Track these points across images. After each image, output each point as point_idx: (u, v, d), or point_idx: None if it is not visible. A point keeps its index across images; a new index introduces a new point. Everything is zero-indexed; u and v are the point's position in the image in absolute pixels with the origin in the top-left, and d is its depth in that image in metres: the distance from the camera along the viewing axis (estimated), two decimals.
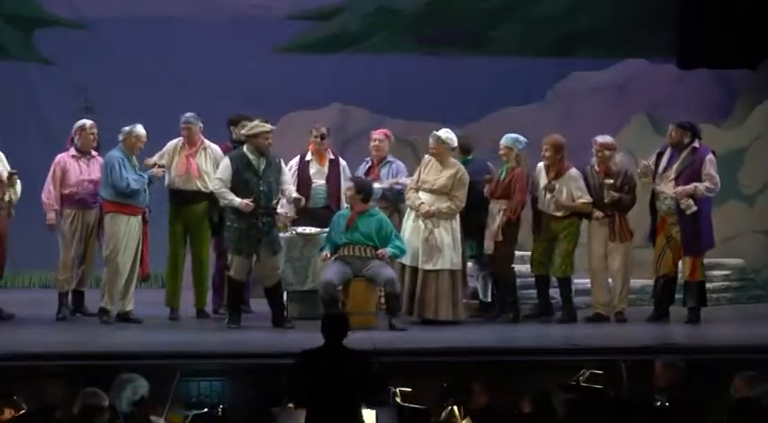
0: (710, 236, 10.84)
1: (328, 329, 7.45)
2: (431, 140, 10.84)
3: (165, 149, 11.08)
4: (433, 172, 10.79)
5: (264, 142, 10.47)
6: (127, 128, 10.79)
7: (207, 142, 11.08)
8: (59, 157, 10.97)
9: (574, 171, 10.85)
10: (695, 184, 10.63)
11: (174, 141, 11.11)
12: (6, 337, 9.98)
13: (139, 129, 10.79)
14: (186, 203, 10.94)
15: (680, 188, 10.63)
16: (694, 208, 10.56)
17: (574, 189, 10.80)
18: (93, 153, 11.07)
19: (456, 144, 10.85)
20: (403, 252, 10.54)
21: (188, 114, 11.12)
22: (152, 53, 13.83)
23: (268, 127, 10.53)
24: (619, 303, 10.89)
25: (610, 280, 10.96)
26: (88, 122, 11.08)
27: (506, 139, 10.89)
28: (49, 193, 10.87)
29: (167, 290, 11.10)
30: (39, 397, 8.17)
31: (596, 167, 10.90)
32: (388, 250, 10.43)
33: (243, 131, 10.61)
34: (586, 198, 10.81)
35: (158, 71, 13.74)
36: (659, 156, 10.95)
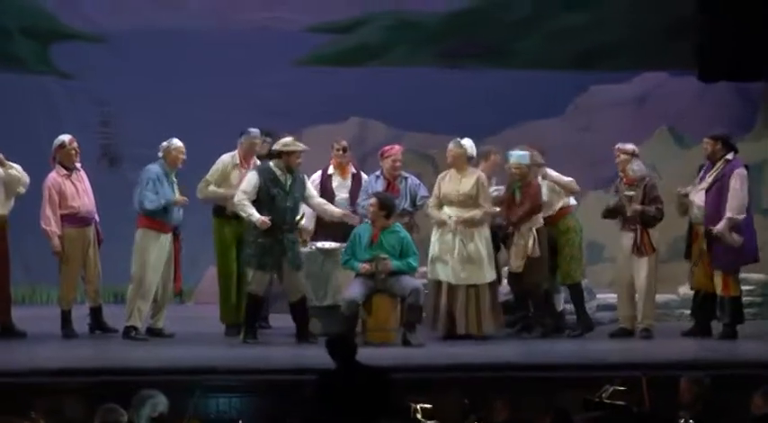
0: (750, 249, 10.70)
1: (335, 353, 7.47)
2: (450, 145, 10.83)
3: (217, 166, 10.96)
4: (452, 183, 10.79)
5: (296, 161, 10.52)
6: (165, 143, 10.74)
7: (256, 159, 11.05)
8: (51, 179, 10.77)
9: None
10: (722, 223, 10.56)
11: (228, 158, 11.02)
12: (25, 353, 10.02)
13: (177, 142, 10.73)
14: (235, 217, 10.80)
15: (720, 227, 10.57)
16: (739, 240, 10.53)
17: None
18: (78, 166, 10.97)
19: (474, 154, 10.86)
20: (411, 269, 10.55)
21: (255, 130, 11.05)
22: (170, 66, 13.86)
23: (302, 147, 10.57)
24: (644, 319, 10.83)
25: (637, 295, 10.94)
26: (67, 138, 10.91)
27: (518, 157, 10.82)
28: (48, 220, 10.70)
29: (222, 306, 11.03)
30: (57, 413, 8.19)
31: (623, 180, 10.90)
32: (394, 263, 10.44)
33: (276, 147, 10.60)
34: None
35: (176, 84, 13.77)
36: (700, 169, 10.97)
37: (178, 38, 13.99)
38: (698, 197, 10.78)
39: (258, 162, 10.99)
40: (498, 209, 10.91)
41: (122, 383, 8.47)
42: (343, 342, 7.55)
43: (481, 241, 10.69)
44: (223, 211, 10.97)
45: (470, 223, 10.66)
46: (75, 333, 10.90)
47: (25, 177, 10.84)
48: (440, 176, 10.95)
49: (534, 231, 10.73)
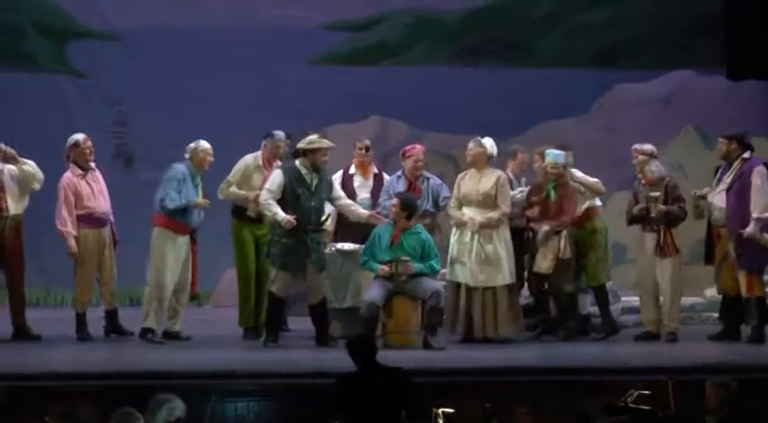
0: None
1: (355, 355, 7.46)
2: (470, 144, 10.80)
3: (239, 166, 10.95)
4: (472, 182, 10.76)
5: (322, 158, 10.47)
6: (192, 144, 10.69)
7: (278, 162, 11.04)
8: (66, 179, 10.76)
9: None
10: (752, 224, 10.55)
11: (250, 159, 11.00)
12: (39, 357, 10.01)
13: (204, 143, 10.69)
14: (256, 219, 10.82)
15: (751, 229, 10.54)
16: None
17: None
18: (92, 165, 10.96)
19: (495, 153, 10.84)
20: (433, 271, 10.52)
21: (280, 133, 11.03)
22: (184, 65, 13.88)
23: (328, 144, 10.53)
24: (670, 322, 10.78)
25: (662, 298, 10.93)
26: (80, 137, 10.89)
27: (555, 156, 10.80)
28: (63, 221, 10.68)
29: (242, 309, 11.01)
30: (72, 418, 8.19)
31: (642, 181, 10.88)
32: (416, 266, 10.42)
33: (301, 145, 10.55)
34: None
35: (190, 83, 13.79)
36: (717, 170, 10.96)
37: (193, 36, 14.01)
38: (718, 199, 10.74)
39: (279, 163, 10.98)
40: (516, 209, 10.89)
41: (138, 387, 8.46)
42: (365, 343, 7.54)
43: (500, 242, 10.66)
44: (242, 213, 10.96)
45: (488, 224, 10.64)
46: (90, 336, 10.88)
47: (39, 173, 10.82)
48: (459, 176, 10.92)
49: (564, 232, 10.71)
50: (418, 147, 11.24)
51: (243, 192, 10.90)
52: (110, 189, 11.08)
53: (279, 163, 10.96)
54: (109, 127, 13.70)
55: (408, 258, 10.40)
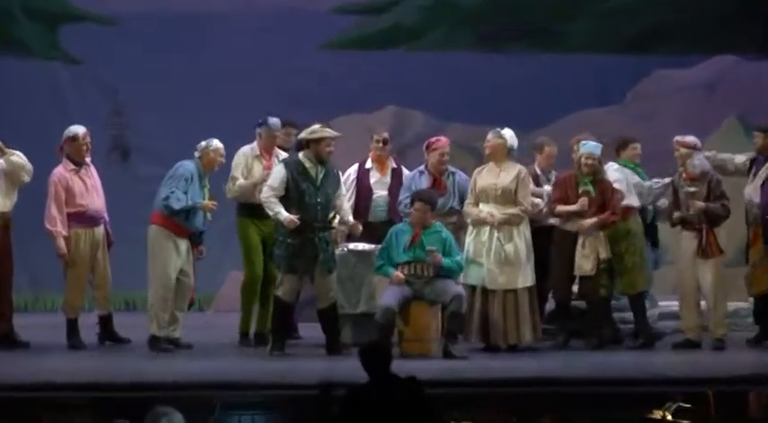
0: None
1: (369, 363, 7.43)
2: (489, 135, 10.75)
3: (239, 160, 10.94)
4: (490, 176, 10.70)
5: (326, 149, 10.42)
6: (203, 143, 10.65)
7: (277, 150, 11.02)
8: (57, 174, 10.73)
9: (611, 164, 10.77)
10: None
11: (247, 150, 11.00)
12: (28, 366, 10.01)
13: (217, 143, 10.65)
14: (263, 217, 10.76)
15: None
16: None
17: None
18: (87, 161, 10.93)
19: (515, 145, 10.78)
20: (460, 268, 10.47)
21: (274, 119, 11.02)
22: (186, 51, 13.91)
23: (332, 133, 10.48)
24: (716, 328, 10.75)
25: (703, 302, 10.87)
26: (81, 131, 10.87)
27: (592, 147, 10.76)
28: (53, 220, 10.66)
29: (244, 313, 11.02)
30: None
31: (683, 176, 10.83)
32: (444, 260, 10.36)
33: (303, 135, 10.53)
34: (618, 185, 10.69)
35: (192, 71, 13.81)
36: (752, 164, 10.97)
37: (195, 21, 14.07)
38: (753, 193, 10.74)
39: (280, 154, 10.96)
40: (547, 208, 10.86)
41: (134, 399, 8.47)
42: (380, 350, 7.50)
43: (521, 241, 10.62)
44: (249, 211, 10.93)
45: (508, 221, 10.60)
46: (83, 344, 10.88)
47: (28, 164, 10.78)
48: (476, 171, 10.84)
49: (601, 232, 10.68)
50: (444, 139, 11.16)
51: (248, 180, 10.86)
52: (104, 184, 11.08)
53: (278, 151, 10.93)
54: (105, 117, 13.71)
55: (435, 248, 10.30)
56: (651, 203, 11.12)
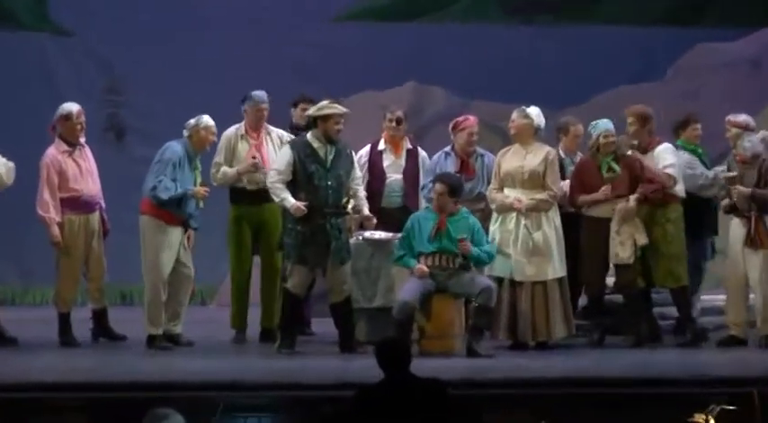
0: None
1: (385, 360, 7.40)
2: (514, 115, 10.71)
3: (221, 144, 10.92)
4: (515, 159, 10.66)
5: (334, 127, 10.38)
6: (192, 120, 10.59)
7: (269, 127, 11.01)
8: (49, 156, 10.68)
9: (666, 146, 10.73)
10: None
11: (232, 131, 10.98)
12: (16, 364, 10.00)
13: (207, 119, 10.60)
14: (256, 203, 10.82)
15: None
16: None
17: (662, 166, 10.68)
18: (82, 141, 10.89)
19: (542, 125, 10.74)
20: (491, 258, 10.44)
21: (260, 93, 10.99)
22: (186, 24, 13.96)
23: (340, 109, 10.45)
24: (763, 325, 10.72)
25: (751, 296, 10.83)
26: (75, 109, 10.80)
27: (607, 123, 10.77)
28: (45, 205, 10.62)
29: (233, 308, 11.05)
30: None
31: (737, 158, 10.79)
32: (473, 250, 10.31)
33: (309, 112, 10.50)
34: (671, 170, 10.65)
35: (193, 44, 13.85)
36: None
37: None
38: None
39: (273, 131, 10.96)
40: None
41: (131, 400, 8.47)
42: (398, 347, 7.48)
43: (550, 229, 10.60)
44: (239, 197, 10.92)
45: (536, 207, 10.56)
46: (76, 340, 10.87)
47: (5, 167, 10.65)
48: (500, 153, 10.81)
49: (637, 218, 10.64)
50: (472, 118, 11.13)
51: (233, 169, 10.84)
52: (99, 167, 11.04)
53: (267, 126, 10.92)
54: (99, 94, 13.71)
55: (465, 236, 10.25)
56: (717, 194, 11.03)
